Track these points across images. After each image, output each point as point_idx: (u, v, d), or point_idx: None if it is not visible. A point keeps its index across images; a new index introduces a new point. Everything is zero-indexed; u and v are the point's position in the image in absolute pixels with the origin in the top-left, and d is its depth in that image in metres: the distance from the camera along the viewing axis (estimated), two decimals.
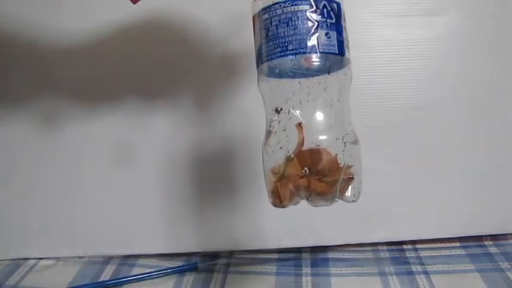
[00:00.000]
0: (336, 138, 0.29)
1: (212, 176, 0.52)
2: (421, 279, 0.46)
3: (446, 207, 0.52)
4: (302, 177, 0.29)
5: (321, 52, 0.28)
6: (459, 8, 0.50)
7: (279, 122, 0.30)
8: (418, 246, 0.53)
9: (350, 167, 0.29)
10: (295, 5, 0.28)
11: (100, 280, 0.50)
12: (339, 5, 0.30)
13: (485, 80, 0.51)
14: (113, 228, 0.53)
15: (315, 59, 0.28)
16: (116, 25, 0.49)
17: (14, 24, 0.50)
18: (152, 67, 0.51)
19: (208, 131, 0.51)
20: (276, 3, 0.29)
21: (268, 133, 0.31)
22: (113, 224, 0.53)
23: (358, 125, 0.33)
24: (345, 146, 0.29)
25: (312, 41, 0.28)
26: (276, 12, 0.29)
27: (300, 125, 0.29)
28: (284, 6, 0.28)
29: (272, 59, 0.29)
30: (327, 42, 0.28)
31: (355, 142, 0.30)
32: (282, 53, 0.28)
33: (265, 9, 0.29)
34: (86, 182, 0.53)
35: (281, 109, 0.29)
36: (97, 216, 0.54)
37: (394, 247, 0.53)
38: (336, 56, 0.29)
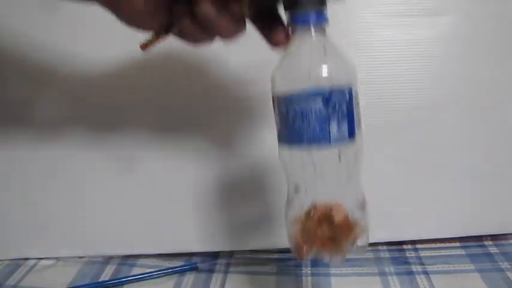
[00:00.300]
0: (349, 207, 0.33)
1: (212, 178, 0.52)
2: (421, 279, 0.47)
3: (447, 207, 0.52)
4: (317, 239, 0.32)
5: (332, 143, 0.30)
6: (460, 8, 0.50)
7: (298, 202, 0.33)
8: (418, 246, 0.53)
9: (360, 224, 0.33)
10: (308, 100, 0.30)
11: (100, 280, 0.50)
12: (350, 91, 0.31)
13: (486, 80, 0.51)
14: (113, 229, 0.53)
15: (328, 149, 0.31)
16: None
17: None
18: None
19: (205, 136, 0.51)
20: (291, 97, 0.31)
21: (289, 205, 0.34)
22: (113, 224, 0.53)
23: None
24: (355, 211, 0.33)
25: (324, 133, 0.30)
26: (291, 104, 0.31)
27: (315, 208, 0.32)
28: (298, 102, 0.30)
29: (289, 144, 0.32)
30: (338, 133, 0.30)
31: (364, 204, 0.34)
32: (298, 144, 0.31)
33: (282, 99, 0.31)
34: (86, 182, 0.53)
35: (299, 187, 0.33)
36: (97, 216, 0.53)
37: (394, 247, 0.53)
38: (347, 140, 0.31)
